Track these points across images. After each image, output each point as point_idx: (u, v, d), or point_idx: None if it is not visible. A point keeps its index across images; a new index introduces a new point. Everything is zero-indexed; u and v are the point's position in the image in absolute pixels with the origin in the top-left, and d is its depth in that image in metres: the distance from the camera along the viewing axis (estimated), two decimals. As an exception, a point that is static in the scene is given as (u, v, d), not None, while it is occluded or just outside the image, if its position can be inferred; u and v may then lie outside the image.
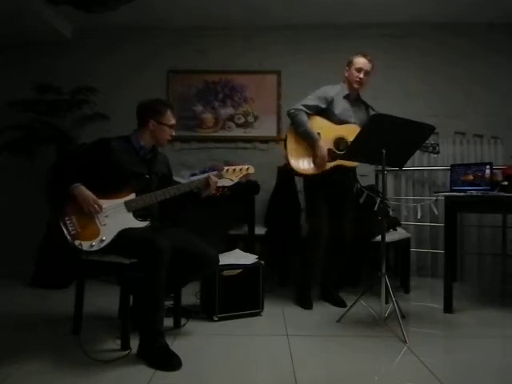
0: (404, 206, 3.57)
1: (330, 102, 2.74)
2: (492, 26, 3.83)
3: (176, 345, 2.02)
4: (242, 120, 3.98)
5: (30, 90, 3.53)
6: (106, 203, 2.01)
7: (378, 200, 2.94)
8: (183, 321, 2.35)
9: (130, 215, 2.06)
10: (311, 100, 2.75)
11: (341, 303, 2.74)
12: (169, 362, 1.82)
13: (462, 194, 2.63)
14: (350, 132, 2.64)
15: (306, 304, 2.76)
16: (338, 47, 3.87)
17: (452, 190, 2.89)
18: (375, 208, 2.98)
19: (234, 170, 2.25)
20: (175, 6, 3.58)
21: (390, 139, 2.28)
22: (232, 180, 2.24)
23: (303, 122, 2.69)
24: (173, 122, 2.22)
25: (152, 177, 2.22)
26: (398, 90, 3.87)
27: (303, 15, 3.76)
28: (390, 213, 3.27)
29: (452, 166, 3.03)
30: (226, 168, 2.24)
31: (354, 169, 2.90)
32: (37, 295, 3.02)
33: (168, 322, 2.15)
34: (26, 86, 3.54)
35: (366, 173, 3.54)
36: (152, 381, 1.70)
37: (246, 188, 3.22)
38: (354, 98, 2.83)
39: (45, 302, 2.83)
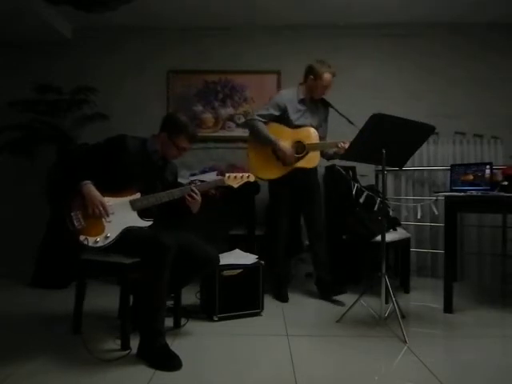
0: (404, 206, 3.58)
1: (284, 109, 2.83)
2: (492, 25, 3.83)
3: (176, 345, 2.02)
4: (242, 120, 3.98)
5: (30, 90, 3.53)
6: (111, 200, 2.02)
7: (378, 200, 2.94)
8: (183, 321, 2.35)
9: (135, 214, 2.07)
10: (265, 109, 2.88)
11: (337, 302, 2.78)
12: (169, 362, 1.82)
13: (462, 194, 2.63)
14: (307, 135, 2.81)
15: (282, 299, 2.89)
16: (338, 47, 3.89)
17: (452, 190, 2.89)
18: (375, 208, 2.98)
19: (235, 177, 2.30)
20: (175, 5, 3.57)
21: (389, 139, 2.28)
22: (232, 186, 2.30)
23: (260, 129, 2.81)
24: (183, 145, 2.19)
25: (158, 183, 2.23)
26: (398, 90, 3.87)
27: (303, 15, 3.76)
28: (390, 213, 3.27)
29: (452, 165, 3.03)
30: (228, 175, 2.29)
31: (315, 169, 2.97)
32: (37, 295, 3.02)
33: (168, 322, 2.14)
34: (26, 86, 3.54)
35: (366, 173, 3.55)
36: (152, 381, 1.71)
37: (246, 188, 3.22)
38: (309, 101, 2.90)
39: (45, 302, 2.83)
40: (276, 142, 2.78)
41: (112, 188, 2.04)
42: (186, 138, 2.17)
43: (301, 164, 2.82)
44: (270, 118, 2.85)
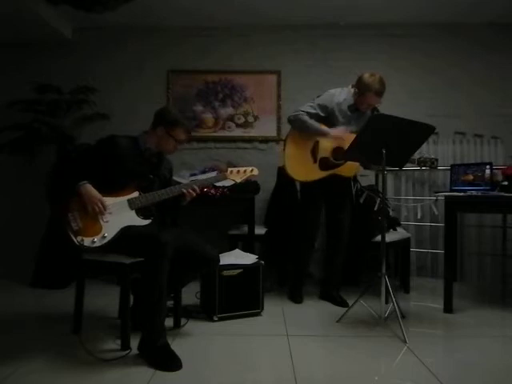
0: (404, 206, 3.58)
1: (331, 112, 2.72)
2: (492, 25, 3.83)
3: (176, 345, 2.02)
4: (242, 120, 3.98)
5: (30, 90, 3.53)
6: (109, 200, 2.02)
7: (378, 200, 2.94)
8: (183, 321, 2.35)
9: (133, 213, 2.07)
10: (312, 108, 2.73)
11: (342, 303, 2.74)
12: (169, 362, 1.82)
13: (462, 194, 2.63)
14: (349, 141, 2.65)
15: (296, 299, 2.88)
16: (339, 47, 3.89)
17: (452, 190, 2.89)
18: (375, 208, 2.98)
19: (238, 171, 2.27)
20: (175, 6, 3.57)
21: (390, 139, 2.28)
22: (235, 181, 2.26)
23: (308, 121, 2.68)
24: (181, 137, 2.21)
25: (155, 178, 2.23)
26: (399, 90, 3.86)
27: (303, 15, 3.76)
28: (390, 213, 3.26)
29: (452, 165, 3.03)
30: (230, 170, 2.26)
31: (350, 178, 2.88)
32: (37, 295, 3.02)
33: (168, 322, 2.14)
34: (25, 86, 3.53)
35: (366, 173, 3.55)
36: (152, 381, 1.71)
37: (246, 188, 3.22)
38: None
39: (45, 302, 2.83)
40: (328, 131, 2.64)
41: (108, 188, 2.04)
42: (183, 130, 2.19)
43: (338, 171, 2.71)
44: (315, 118, 2.71)
